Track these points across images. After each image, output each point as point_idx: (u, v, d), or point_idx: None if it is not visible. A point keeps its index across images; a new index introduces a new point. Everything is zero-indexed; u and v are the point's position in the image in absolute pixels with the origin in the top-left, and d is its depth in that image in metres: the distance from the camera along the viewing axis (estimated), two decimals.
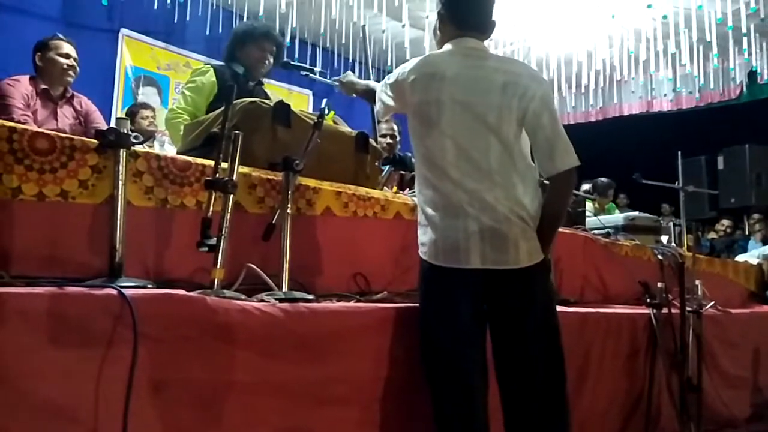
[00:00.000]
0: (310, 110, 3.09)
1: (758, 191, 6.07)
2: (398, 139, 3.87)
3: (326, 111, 1.98)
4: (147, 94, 5.84)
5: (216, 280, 1.58)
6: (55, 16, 5.23)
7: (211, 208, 1.60)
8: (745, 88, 7.45)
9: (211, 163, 1.70)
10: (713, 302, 3.31)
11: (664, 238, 3.69)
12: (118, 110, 5.54)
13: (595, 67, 6.85)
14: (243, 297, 1.58)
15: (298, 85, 6.66)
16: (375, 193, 2.30)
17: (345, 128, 2.42)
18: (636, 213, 3.82)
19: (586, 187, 6.09)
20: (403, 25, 5.75)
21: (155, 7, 5.67)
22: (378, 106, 2.05)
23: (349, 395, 1.71)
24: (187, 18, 5.96)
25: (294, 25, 6.01)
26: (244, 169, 1.87)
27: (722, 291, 3.80)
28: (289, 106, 2.16)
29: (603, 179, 6.07)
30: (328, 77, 2.68)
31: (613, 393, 2.66)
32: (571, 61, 6.90)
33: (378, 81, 2.18)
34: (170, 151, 3.62)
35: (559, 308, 1.98)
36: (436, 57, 1.92)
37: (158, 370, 1.35)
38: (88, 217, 1.58)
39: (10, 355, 1.18)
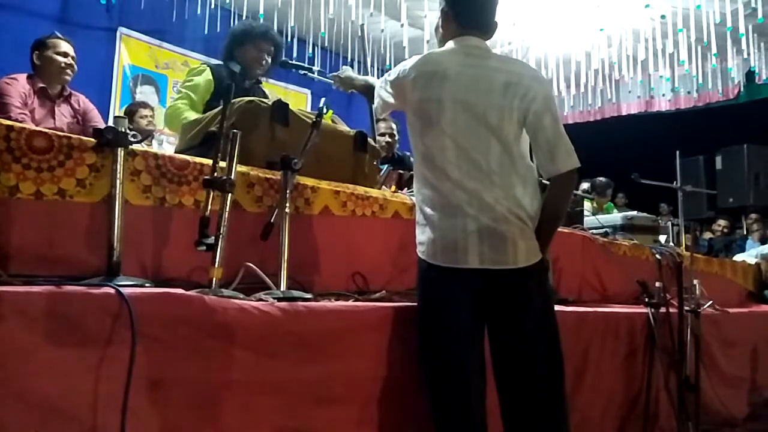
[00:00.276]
0: (309, 109, 3.08)
1: (756, 191, 6.09)
2: (397, 138, 3.86)
3: (325, 110, 1.98)
4: (145, 93, 5.83)
5: (214, 279, 1.58)
6: (53, 15, 5.22)
7: (209, 207, 1.60)
8: (743, 88, 7.46)
9: (209, 161, 1.70)
10: (711, 302, 3.31)
11: (663, 238, 3.69)
12: (115, 109, 5.54)
13: (594, 67, 6.86)
14: (241, 296, 1.58)
15: (297, 84, 6.65)
16: (373, 192, 2.29)
17: (343, 127, 2.42)
18: (634, 212, 3.82)
19: (584, 186, 6.11)
20: (402, 25, 5.75)
21: (153, 5, 5.67)
22: (377, 103, 2.04)
23: (347, 394, 1.71)
24: (186, 17, 5.96)
25: (292, 24, 6.00)
26: (243, 168, 1.86)
27: (720, 290, 3.80)
28: (287, 105, 2.15)
29: (601, 179, 6.08)
30: (326, 76, 2.67)
31: (611, 392, 2.66)
32: (570, 61, 6.91)
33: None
34: (168, 150, 3.61)
35: (557, 307, 1.98)
36: (437, 55, 1.91)
37: (156, 369, 1.35)
38: (85, 216, 1.58)
39: (7, 353, 1.18)
